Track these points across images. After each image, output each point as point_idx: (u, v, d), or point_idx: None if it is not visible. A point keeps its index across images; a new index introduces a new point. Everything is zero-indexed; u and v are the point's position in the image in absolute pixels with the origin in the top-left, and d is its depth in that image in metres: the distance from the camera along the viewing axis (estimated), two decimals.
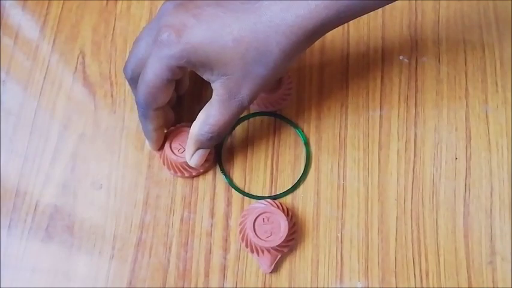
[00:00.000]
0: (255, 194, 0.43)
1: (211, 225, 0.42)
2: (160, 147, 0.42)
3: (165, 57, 0.34)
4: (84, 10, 0.49)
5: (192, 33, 0.34)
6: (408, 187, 0.43)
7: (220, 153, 0.44)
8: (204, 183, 0.43)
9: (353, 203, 0.43)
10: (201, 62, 0.34)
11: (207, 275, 0.41)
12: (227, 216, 0.42)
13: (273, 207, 0.40)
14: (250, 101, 0.36)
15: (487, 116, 0.45)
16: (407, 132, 0.45)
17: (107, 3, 0.49)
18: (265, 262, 0.40)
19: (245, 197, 0.43)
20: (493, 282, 0.40)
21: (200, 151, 0.40)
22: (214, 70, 0.35)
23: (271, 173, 0.44)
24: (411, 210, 0.42)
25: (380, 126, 0.45)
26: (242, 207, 0.43)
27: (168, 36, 0.34)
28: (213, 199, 0.43)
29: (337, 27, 0.36)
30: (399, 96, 0.46)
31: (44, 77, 0.47)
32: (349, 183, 0.43)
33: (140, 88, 0.36)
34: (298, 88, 0.46)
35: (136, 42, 0.38)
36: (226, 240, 0.42)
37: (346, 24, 0.48)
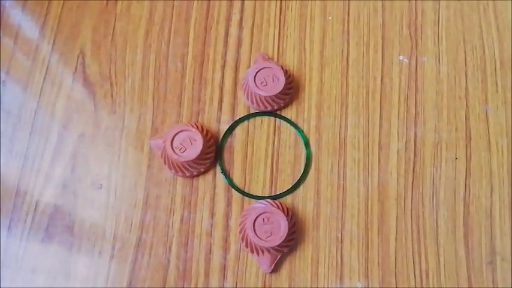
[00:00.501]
0: (255, 194, 0.43)
1: (211, 225, 0.42)
2: (162, 147, 0.42)
3: None
4: (84, 10, 0.49)
5: None
6: (408, 187, 0.43)
7: (220, 153, 0.44)
8: (204, 183, 0.43)
9: (353, 203, 0.43)
10: None
11: (207, 275, 0.41)
12: (227, 216, 0.42)
13: (273, 207, 0.40)
14: None
15: (487, 116, 0.45)
16: (407, 132, 0.45)
17: (107, 3, 0.49)
18: (265, 262, 0.40)
19: (245, 197, 0.43)
20: (493, 282, 0.40)
21: None
22: None
23: (271, 173, 0.44)
24: (411, 210, 0.42)
25: (380, 126, 0.45)
26: (242, 207, 0.43)
27: None
28: (213, 199, 0.43)
29: None
30: (399, 96, 0.46)
31: (44, 77, 0.47)
32: (349, 183, 0.43)
33: None
34: (298, 88, 0.46)
35: None
36: (226, 240, 0.42)
37: (346, 24, 0.48)
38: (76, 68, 0.47)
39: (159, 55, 0.47)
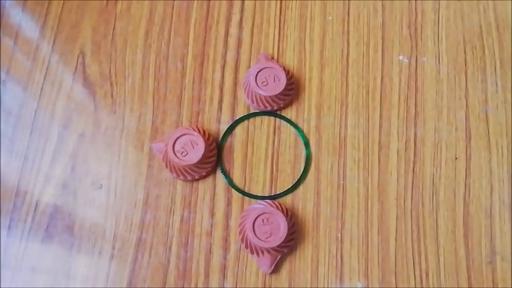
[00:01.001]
0: (255, 194, 0.43)
1: (211, 225, 0.42)
2: (164, 150, 0.42)
3: None
4: (84, 10, 0.49)
5: None
6: (408, 187, 0.43)
7: (220, 153, 0.44)
8: (204, 183, 0.43)
9: (353, 203, 0.43)
10: None
11: (207, 275, 0.41)
12: (227, 216, 0.42)
13: (272, 208, 0.40)
14: None
15: (487, 116, 0.45)
16: (407, 132, 0.45)
17: (107, 3, 0.49)
18: (265, 263, 0.40)
19: (245, 197, 0.43)
20: (493, 282, 0.40)
21: None
22: None
23: (271, 173, 0.44)
24: (411, 210, 0.42)
25: (380, 126, 0.45)
26: (242, 207, 0.43)
27: None
28: (213, 199, 0.43)
29: None
30: (399, 96, 0.46)
31: (44, 77, 0.47)
32: (349, 183, 0.43)
33: None
34: (298, 88, 0.46)
35: None
36: (226, 240, 0.42)
37: (346, 24, 0.48)
38: (76, 68, 0.47)
39: (159, 55, 0.47)
